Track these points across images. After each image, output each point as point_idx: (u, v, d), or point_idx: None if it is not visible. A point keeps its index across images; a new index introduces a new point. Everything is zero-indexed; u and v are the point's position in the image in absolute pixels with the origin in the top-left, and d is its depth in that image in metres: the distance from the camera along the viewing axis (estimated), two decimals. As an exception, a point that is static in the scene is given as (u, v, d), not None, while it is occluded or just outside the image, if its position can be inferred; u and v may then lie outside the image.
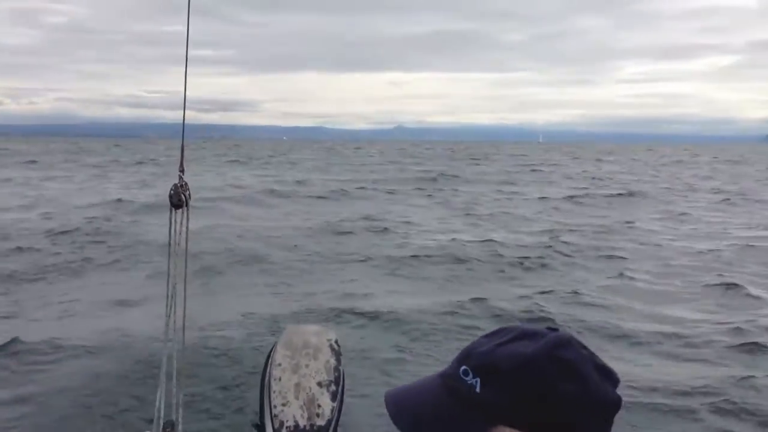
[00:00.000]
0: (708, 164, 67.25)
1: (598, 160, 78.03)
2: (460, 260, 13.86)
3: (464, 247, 15.43)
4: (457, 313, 9.69)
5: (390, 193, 30.45)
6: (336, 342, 3.31)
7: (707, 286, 11.99)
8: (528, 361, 1.14)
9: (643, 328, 9.23)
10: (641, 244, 16.74)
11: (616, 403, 1.16)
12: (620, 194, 30.41)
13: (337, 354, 3.27)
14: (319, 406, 3.10)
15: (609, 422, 1.16)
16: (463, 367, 1.20)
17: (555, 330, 1.21)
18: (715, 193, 33.04)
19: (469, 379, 1.18)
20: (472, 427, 1.15)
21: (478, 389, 1.17)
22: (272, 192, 29.06)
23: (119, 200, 24.56)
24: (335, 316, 9.38)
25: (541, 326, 1.26)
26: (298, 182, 35.42)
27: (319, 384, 3.16)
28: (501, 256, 14.47)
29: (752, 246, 16.33)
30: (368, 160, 68.06)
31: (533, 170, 51.85)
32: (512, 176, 44.11)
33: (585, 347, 1.20)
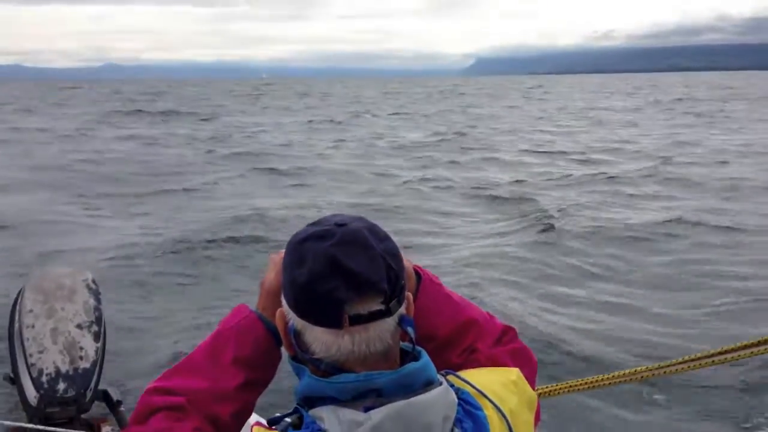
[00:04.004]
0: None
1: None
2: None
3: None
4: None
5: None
6: (93, 281, 3.14)
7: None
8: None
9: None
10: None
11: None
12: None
13: (95, 293, 3.12)
14: (81, 348, 2.95)
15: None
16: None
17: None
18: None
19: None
20: None
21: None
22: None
23: None
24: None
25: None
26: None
27: (79, 326, 3.00)
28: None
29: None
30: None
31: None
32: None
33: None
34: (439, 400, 1.17)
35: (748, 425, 4.86)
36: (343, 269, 1.15)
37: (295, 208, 12.13)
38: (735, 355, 2.04)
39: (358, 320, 1.15)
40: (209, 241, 9.74)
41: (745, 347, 2.10)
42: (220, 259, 8.99)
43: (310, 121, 35.48)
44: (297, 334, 1.21)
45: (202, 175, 16.96)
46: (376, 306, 1.16)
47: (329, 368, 1.18)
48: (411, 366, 1.18)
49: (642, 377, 2.11)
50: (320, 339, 1.17)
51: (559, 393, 2.17)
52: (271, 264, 1.37)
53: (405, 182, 15.86)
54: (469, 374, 1.30)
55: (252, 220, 11.09)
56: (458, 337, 1.43)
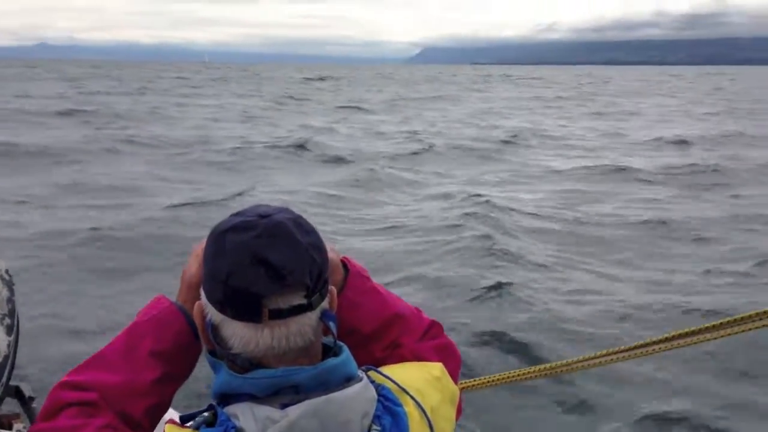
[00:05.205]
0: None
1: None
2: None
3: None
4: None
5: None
6: (6, 272, 2.98)
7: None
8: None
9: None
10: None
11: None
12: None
13: (9, 284, 2.95)
14: (-9, 342, 2.80)
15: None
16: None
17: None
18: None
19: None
20: None
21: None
22: None
23: None
24: None
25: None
26: None
27: (-10, 318, 2.84)
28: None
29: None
30: None
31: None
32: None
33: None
34: (358, 396, 1.15)
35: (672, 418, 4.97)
36: (264, 262, 1.12)
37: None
38: (655, 348, 2.06)
39: (279, 315, 1.12)
40: (128, 232, 9.46)
41: (663, 341, 2.12)
42: (140, 251, 8.71)
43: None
44: (215, 328, 1.18)
45: (121, 164, 16.34)
46: (298, 300, 1.14)
47: (246, 364, 1.14)
48: (330, 362, 1.16)
49: (560, 371, 2.11)
50: (239, 333, 1.14)
51: (481, 387, 2.17)
52: (194, 255, 1.32)
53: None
54: (391, 370, 1.27)
55: (172, 213, 10.85)
56: (384, 332, 1.41)
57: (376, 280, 1.46)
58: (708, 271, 8.23)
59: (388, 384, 1.23)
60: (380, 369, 1.27)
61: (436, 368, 1.34)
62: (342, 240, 9.45)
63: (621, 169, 15.94)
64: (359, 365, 1.23)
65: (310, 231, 1.19)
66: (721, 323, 2.05)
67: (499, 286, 7.41)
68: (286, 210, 1.22)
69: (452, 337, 1.50)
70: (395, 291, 1.54)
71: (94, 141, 19.33)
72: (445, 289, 7.45)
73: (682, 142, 21.46)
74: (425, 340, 1.44)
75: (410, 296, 6.64)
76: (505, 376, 2.23)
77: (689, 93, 57.33)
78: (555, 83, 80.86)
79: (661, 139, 22.13)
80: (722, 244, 9.51)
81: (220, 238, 1.17)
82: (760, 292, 7.36)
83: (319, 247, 1.19)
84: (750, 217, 11.03)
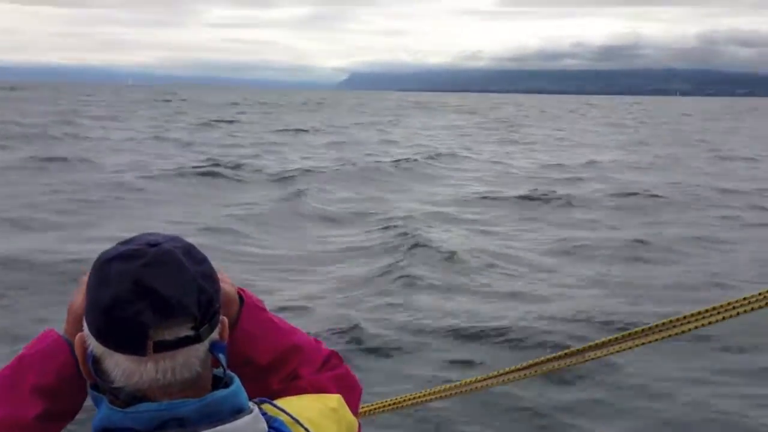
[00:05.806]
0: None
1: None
2: None
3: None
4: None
5: None
6: None
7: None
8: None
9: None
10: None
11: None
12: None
13: None
14: None
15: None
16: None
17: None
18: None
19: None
20: None
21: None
22: None
23: None
24: None
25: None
26: None
27: None
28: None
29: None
30: None
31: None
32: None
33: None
34: (247, 428, 1.13)
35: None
36: (149, 292, 1.09)
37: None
38: (545, 367, 2.12)
39: (164, 347, 1.10)
40: (17, 260, 8.99)
41: (555, 358, 2.19)
42: (29, 280, 8.27)
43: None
44: (96, 361, 1.14)
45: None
46: (185, 332, 1.11)
47: (129, 398, 1.11)
48: (218, 394, 1.14)
49: (460, 392, 2.15)
50: (121, 366, 1.11)
51: (382, 411, 2.18)
52: (80, 286, 1.27)
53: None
54: (286, 402, 1.27)
55: (70, 237, 10.43)
56: (281, 363, 1.40)
57: (284, 303, 1.46)
58: (602, 285, 8.86)
59: (282, 416, 1.22)
60: (275, 401, 1.26)
61: (333, 399, 1.34)
62: (257, 265, 9.36)
63: (530, 192, 16.52)
64: (255, 397, 1.22)
65: (201, 260, 1.18)
66: (666, 322, 2.14)
67: (408, 302, 7.68)
68: (176, 238, 1.20)
69: (360, 360, 1.51)
70: (301, 318, 1.54)
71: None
72: (354, 307, 7.50)
73: (591, 164, 23.15)
74: (324, 370, 1.44)
75: (317, 321, 6.64)
76: (407, 398, 2.26)
77: (603, 120, 59.81)
78: (477, 110, 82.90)
79: (571, 165, 23.27)
80: (616, 262, 10.10)
81: (105, 266, 1.14)
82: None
83: (210, 276, 1.17)
84: (652, 240, 11.67)
